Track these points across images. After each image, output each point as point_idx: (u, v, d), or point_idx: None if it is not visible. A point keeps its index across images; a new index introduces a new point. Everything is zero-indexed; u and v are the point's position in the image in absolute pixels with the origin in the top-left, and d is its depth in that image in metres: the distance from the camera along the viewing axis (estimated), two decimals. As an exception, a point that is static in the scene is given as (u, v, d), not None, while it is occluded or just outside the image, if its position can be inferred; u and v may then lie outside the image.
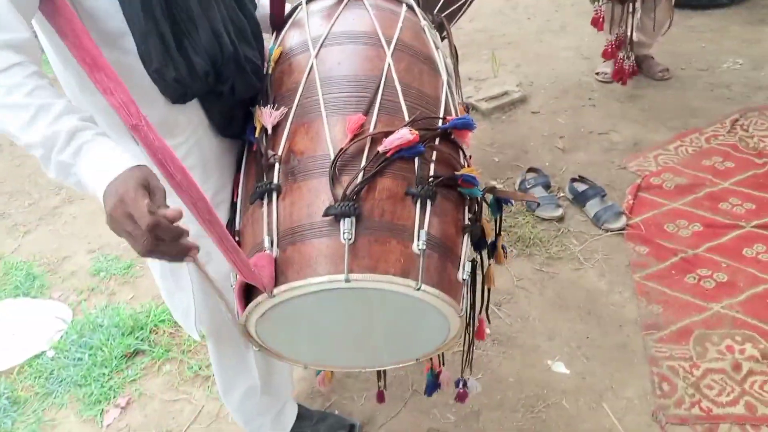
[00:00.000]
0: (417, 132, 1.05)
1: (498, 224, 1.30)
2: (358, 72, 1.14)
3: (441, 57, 1.31)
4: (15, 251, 2.82)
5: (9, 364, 2.20)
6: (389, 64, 1.15)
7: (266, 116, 1.11)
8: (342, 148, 1.03)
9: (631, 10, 3.15)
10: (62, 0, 0.92)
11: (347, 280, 0.94)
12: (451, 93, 1.26)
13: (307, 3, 1.35)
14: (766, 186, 2.62)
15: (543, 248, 2.43)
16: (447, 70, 1.32)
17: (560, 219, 2.56)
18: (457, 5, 2.49)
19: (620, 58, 3.20)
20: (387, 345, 1.20)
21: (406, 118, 1.10)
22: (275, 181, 1.05)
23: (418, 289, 0.97)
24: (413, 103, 1.14)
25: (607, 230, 2.48)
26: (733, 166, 2.76)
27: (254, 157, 1.13)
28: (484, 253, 1.28)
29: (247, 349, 1.48)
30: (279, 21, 1.36)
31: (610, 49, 3.25)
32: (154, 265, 1.34)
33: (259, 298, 1.00)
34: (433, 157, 1.09)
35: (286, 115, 1.12)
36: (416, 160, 1.06)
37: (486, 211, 1.26)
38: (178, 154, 1.03)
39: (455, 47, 2.37)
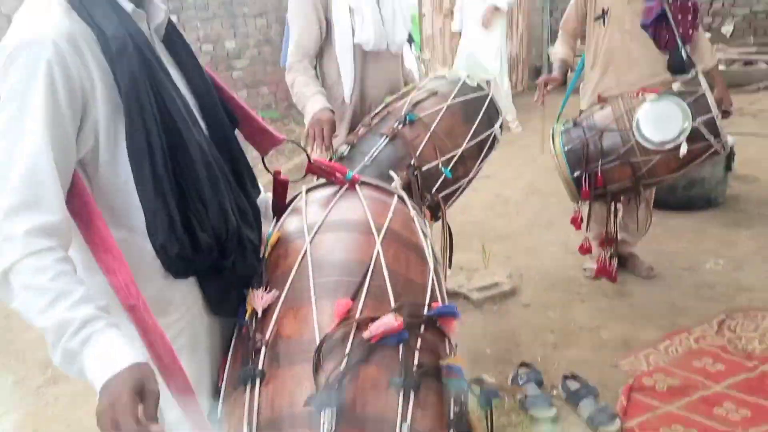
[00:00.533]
0: (402, 318, 1.05)
1: (489, 421, 1.24)
2: (348, 258, 1.17)
3: (429, 245, 1.35)
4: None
5: None
6: (378, 251, 1.18)
7: (257, 299, 1.12)
8: (327, 334, 1.02)
9: (613, 210, 3.31)
10: (82, 183, 0.97)
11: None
12: (438, 281, 1.28)
13: (307, 192, 1.42)
14: (759, 390, 2.56)
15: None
16: (435, 258, 1.35)
17: (554, 419, 2.47)
18: (454, 187, 2.56)
19: (602, 257, 3.29)
20: None
21: (392, 304, 1.10)
22: (260, 366, 1.03)
23: None
24: (400, 289, 1.15)
25: (601, 433, 2.38)
26: (724, 369, 2.71)
27: (242, 340, 1.12)
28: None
29: None
30: (280, 207, 1.42)
31: (586, 245, 3.34)
32: None
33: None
34: (418, 345, 1.07)
35: (277, 298, 1.12)
36: (401, 347, 1.04)
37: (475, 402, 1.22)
38: (170, 333, 1.04)
39: (449, 226, 2.46)
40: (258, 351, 1.05)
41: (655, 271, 3.59)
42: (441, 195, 2.40)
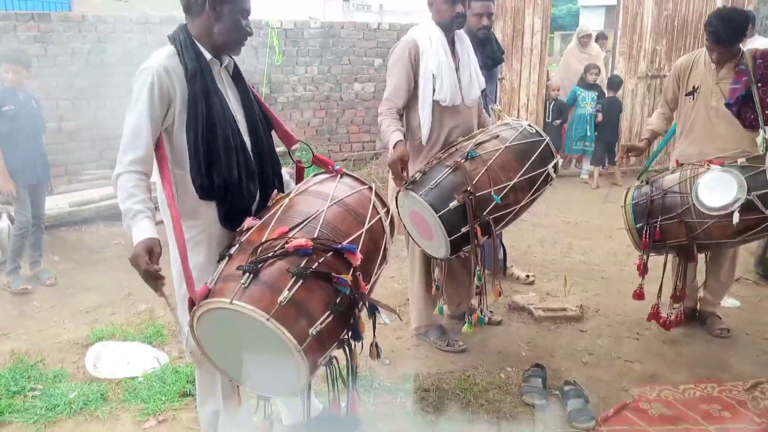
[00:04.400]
0: (311, 243, 1.88)
1: (373, 324, 2.02)
2: (304, 210, 2.03)
3: (377, 218, 2.14)
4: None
5: (115, 376, 3.21)
6: (323, 210, 2.02)
7: (247, 221, 2.04)
8: (265, 241, 1.89)
9: (684, 268, 3.58)
10: (162, 140, 2.00)
11: (231, 302, 1.75)
12: (366, 237, 2.05)
13: (313, 175, 2.30)
14: (750, 441, 2.77)
15: (515, 426, 2.86)
16: (384, 227, 2.15)
17: (539, 407, 2.98)
18: (505, 212, 3.09)
19: (656, 306, 3.60)
20: (262, 372, 1.92)
21: (315, 236, 1.93)
22: (230, 251, 1.95)
23: (268, 319, 1.73)
24: (327, 230, 1.97)
25: (573, 427, 2.84)
26: (729, 416, 2.94)
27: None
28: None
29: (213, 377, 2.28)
30: (299, 182, 2.33)
31: (638, 291, 3.62)
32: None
33: (195, 307, 1.85)
34: (320, 259, 1.88)
35: (262, 223, 2.03)
36: (305, 256, 1.86)
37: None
38: (195, 231, 2.05)
39: (500, 240, 3.02)
40: (232, 245, 1.97)
41: (730, 333, 3.74)
42: (492, 217, 3.06)
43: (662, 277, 3.62)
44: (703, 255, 3.71)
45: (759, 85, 3.43)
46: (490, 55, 3.91)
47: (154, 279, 1.85)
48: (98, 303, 4.22)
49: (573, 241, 5.48)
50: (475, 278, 3.23)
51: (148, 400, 3.00)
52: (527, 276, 4.55)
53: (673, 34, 7.90)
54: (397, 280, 4.55)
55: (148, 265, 1.83)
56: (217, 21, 2.08)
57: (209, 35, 2.10)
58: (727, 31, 3.34)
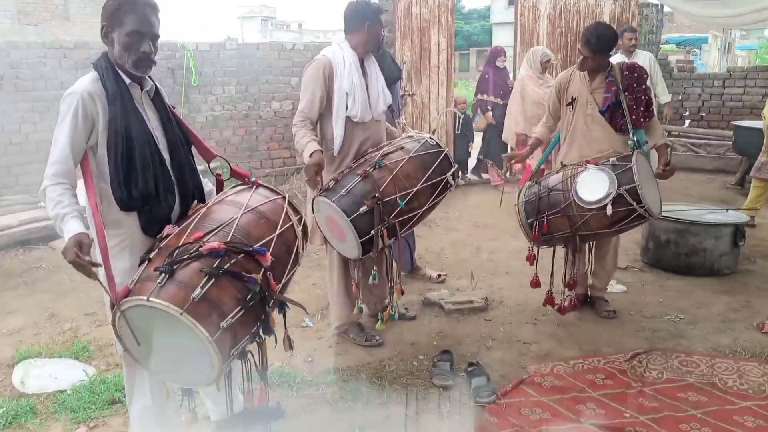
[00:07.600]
0: (224, 246, 2.12)
1: (284, 320, 2.27)
2: (220, 217, 2.27)
3: (288, 225, 2.39)
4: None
5: (43, 391, 3.32)
6: (237, 217, 2.26)
7: (167, 228, 2.26)
8: (181, 244, 2.12)
9: (573, 259, 4.01)
10: (87, 157, 2.21)
11: (148, 299, 1.97)
12: (277, 241, 2.31)
13: (232, 187, 2.54)
14: (624, 400, 3.18)
15: (425, 405, 3.17)
16: (296, 231, 2.41)
17: (447, 387, 3.31)
18: (410, 215, 3.43)
19: (549, 291, 4.01)
20: (180, 365, 2.13)
21: (227, 240, 2.18)
22: (150, 255, 2.17)
23: (181, 314, 1.95)
24: (240, 235, 2.22)
25: (476, 402, 3.18)
26: (611, 383, 3.36)
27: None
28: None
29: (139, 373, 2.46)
30: (219, 192, 2.56)
31: (534, 280, 4.04)
32: None
33: (116, 306, 2.05)
34: (232, 261, 2.13)
35: (180, 230, 2.25)
36: (218, 258, 2.10)
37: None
38: (119, 239, 2.24)
39: (404, 239, 3.34)
40: (152, 250, 2.19)
41: (616, 314, 4.21)
42: (398, 220, 3.37)
43: (552, 267, 4.02)
44: (589, 246, 4.17)
45: (626, 93, 3.93)
46: (388, 74, 4.23)
47: (84, 266, 2.01)
48: (22, 325, 4.28)
49: (482, 243, 5.90)
50: (371, 278, 3.52)
51: (77, 409, 3.13)
52: (438, 275, 4.90)
53: (566, 48, 8.54)
54: (319, 287, 4.80)
55: (77, 256, 2.00)
56: (111, 46, 2.31)
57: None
58: (597, 40, 3.83)
